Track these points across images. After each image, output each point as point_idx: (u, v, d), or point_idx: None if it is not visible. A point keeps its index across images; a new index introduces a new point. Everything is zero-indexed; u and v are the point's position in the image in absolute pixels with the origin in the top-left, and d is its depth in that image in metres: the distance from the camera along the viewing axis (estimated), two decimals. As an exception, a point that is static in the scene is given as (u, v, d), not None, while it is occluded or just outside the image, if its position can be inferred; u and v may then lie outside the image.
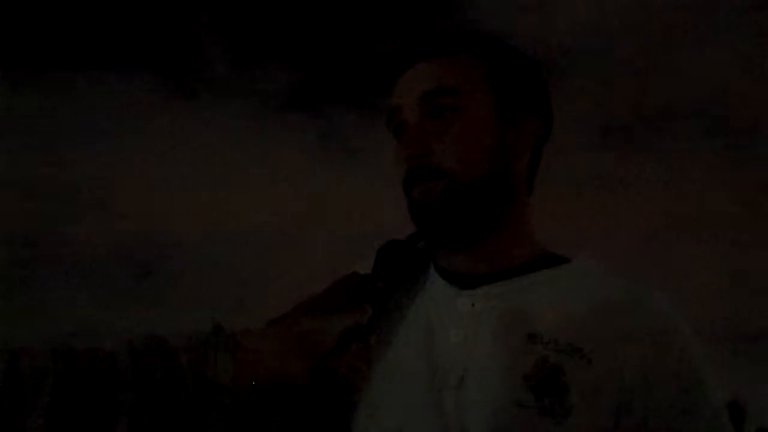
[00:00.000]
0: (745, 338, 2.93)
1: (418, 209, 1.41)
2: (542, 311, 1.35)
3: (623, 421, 1.30)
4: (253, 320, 1.31)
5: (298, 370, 1.26)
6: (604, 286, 1.40)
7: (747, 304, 2.97)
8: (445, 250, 1.45)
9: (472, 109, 1.40)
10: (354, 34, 3.42)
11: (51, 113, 3.22)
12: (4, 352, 1.16)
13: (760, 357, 2.93)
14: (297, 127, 3.37)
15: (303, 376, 1.26)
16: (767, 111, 3.12)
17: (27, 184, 3.10)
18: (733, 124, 3.15)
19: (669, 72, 3.13)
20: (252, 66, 3.45)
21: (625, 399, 1.30)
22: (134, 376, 1.19)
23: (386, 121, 1.46)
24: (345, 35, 3.43)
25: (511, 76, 1.44)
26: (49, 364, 1.17)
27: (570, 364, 1.30)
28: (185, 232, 3.18)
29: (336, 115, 3.41)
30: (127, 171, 3.20)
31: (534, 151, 1.46)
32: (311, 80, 3.43)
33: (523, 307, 1.37)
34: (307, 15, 3.43)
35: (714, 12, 3.15)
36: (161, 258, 3.19)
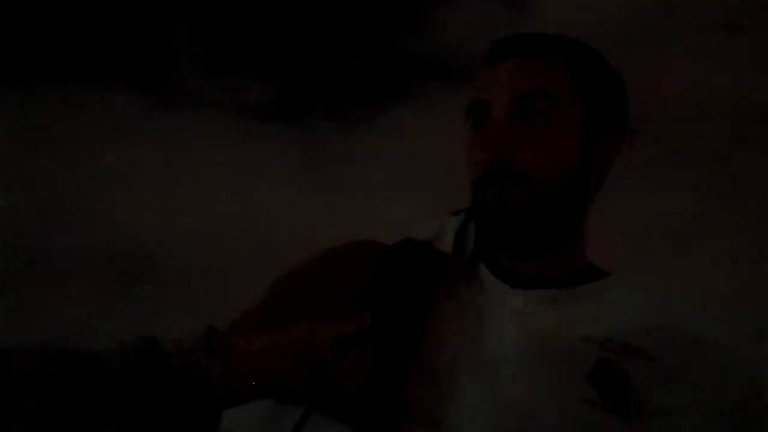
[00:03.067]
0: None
1: (489, 211, 1.36)
2: (593, 319, 1.33)
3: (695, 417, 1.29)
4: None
5: (293, 376, 1.22)
6: (650, 301, 1.39)
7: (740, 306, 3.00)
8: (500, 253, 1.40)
9: (562, 119, 1.36)
10: (331, 46, 3.43)
11: (35, 124, 3.21)
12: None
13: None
14: (277, 137, 3.37)
15: (298, 383, 1.22)
16: (748, 115, 3.15)
17: (15, 191, 3.09)
18: (714, 129, 3.18)
19: (651, 77, 3.16)
20: (231, 77, 3.45)
21: (696, 396, 1.29)
22: (125, 378, 1.17)
23: (466, 110, 1.40)
24: (322, 46, 3.44)
25: (602, 90, 1.40)
26: (38, 365, 1.14)
27: (633, 363, 1.29)
28: (172, 238, 3.18)
29: (316, 125, 3.41)
30: (114, 179, 3.20)
31: None
32: (290, 91, 3.44)
33: (573, 314, 1.34)
34: (284, 27, 3.43)
35: (694, 17, 3.19)
36: (148, 263, 3.20)
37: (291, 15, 3.43)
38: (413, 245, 1.34)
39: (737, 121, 3.18)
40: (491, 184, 1.35)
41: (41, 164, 3.16)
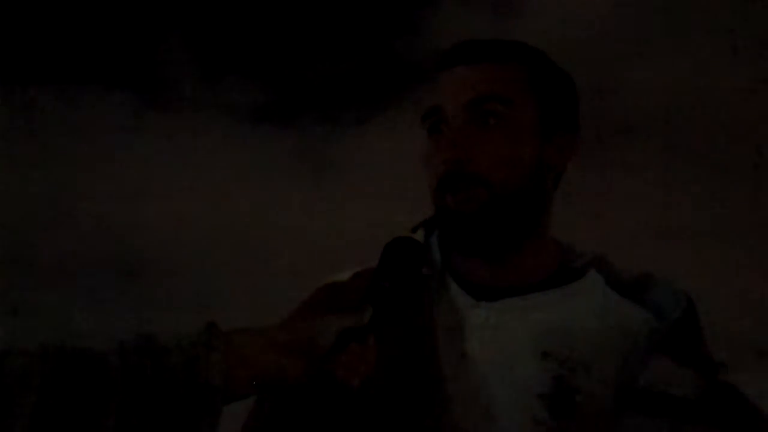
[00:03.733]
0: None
1: (451, 216, 1.37)
2: (555, 328, 1.34)
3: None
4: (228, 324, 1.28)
5: (294, 371, 1.20)
6: (614, 304, 1.39)
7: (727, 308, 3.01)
8: (464, 258, 1.41)
9: (517, 120, 1.37)
10: (325, 49, 3.44)
11: (33, 126, 3.22)
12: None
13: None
14: (272, 140, 3.38)
15: (298, 378, 1.20)
16: (728, 123, 3.17)
17: (15, 191, 3.10)
18: (695, 137, 3.20)
19: (630, 86, 3.17)
20: (226, 80, 3.45)
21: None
22: (124, 376, 1.15)
23: (422, 117, 1.41)
24: (316, 49, 3.44)
25: (554, 90, 1.42)
26: (36, 363, 1.12)
27: (583, 382, 1.30)
28: (170, 238, 3.19)
29: (310, 128, 3.42)
30: (112, 180, 3.22)
31: None
32: (285, 94, 3.44)
33: (536, 324, 1.35)
34: (278, 30, 3.44)
35: (676, 25, 3.20)
36: (148, 263, 3.21)
37: (285, 18, 3.43)
38: (409, 240, 1.32)
39: (738, 122, 3.19)
40: (452, 189, 1.36)
41: (40, 165, 3.17)
